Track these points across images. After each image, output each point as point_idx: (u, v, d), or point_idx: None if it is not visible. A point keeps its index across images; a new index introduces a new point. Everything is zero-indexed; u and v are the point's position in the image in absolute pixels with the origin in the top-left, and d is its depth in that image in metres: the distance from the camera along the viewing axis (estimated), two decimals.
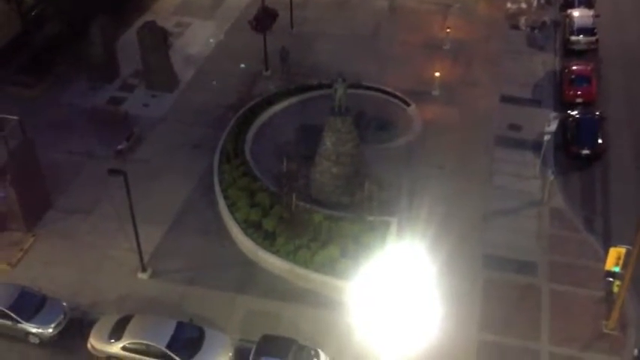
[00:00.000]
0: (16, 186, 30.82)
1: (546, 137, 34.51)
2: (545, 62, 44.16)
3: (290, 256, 29.90)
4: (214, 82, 32.21)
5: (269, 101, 39.44)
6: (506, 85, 41.96)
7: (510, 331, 28.11)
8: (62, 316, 27.53)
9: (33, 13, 44.04)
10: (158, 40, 41.42)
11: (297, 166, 31.52)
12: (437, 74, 40.81)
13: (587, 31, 44.58)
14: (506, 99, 40.84)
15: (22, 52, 42.58)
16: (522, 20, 48.14)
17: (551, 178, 34.21)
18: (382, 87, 40.84)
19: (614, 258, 27.41)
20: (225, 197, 32.51)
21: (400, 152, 36.25)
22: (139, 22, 44.83)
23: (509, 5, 49.80)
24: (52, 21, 44.28)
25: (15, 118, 31.33)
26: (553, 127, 34.20)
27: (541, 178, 34.97)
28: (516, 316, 28.67)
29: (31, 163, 32.14)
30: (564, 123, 37.37)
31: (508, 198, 34.08)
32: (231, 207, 31.91)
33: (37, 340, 27.21)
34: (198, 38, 46.83)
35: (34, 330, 27.00)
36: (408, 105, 39.81)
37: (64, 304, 27.95)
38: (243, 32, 45.27)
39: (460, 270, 29.80)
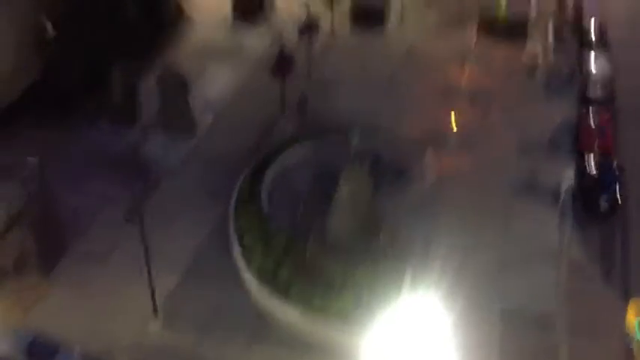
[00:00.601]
0: (33, 230, 31.01)
1: (564, 187, 34.27)
2: (562, 110, 44.07)
3: (304, 305, 29.64)
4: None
5: (286, 146, 39.58)
6: (523, 132, 41.85)
7: None
8: None
9: (55, 58, 44.89)
10: (177, 85, 41.99)
11: (313, 213, 31.48)
12: (453, 121, 40.86)
13: (605, 79, 44.53)
14: (523, 147, 40.70)
15: (43, 96, 43.29)
16: (540, 67, 48.26)
17: (570, 228, 33.85)
18: (399, 133, 40.85)
19: (635, 311, 26.94)
20: (240, 244, 32.45)
21: (416, 200, 36.05)
22: (158, 67, 45.50)
23: (526, 53, 50.00)
24: (73, 67, 45.07)
25: (33, 160, 31.70)
26: (571, 176, 33.99)
27: (559, 228, 34.60)
28: None
29: (49, 207, 32.38)
30: (582, 172, 37.07)
31: (525, 248, 33.67)
32: (246, 254, 31.83)
33: None
34: (217, 83, 47.37)
35: None
36: (424, 151, 39.73)
37: (77, 351, 27.79)
38: (261, 77, 45.72)
39: (476, 321, 29.34)
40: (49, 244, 32.09)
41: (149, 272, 28.24)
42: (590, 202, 35.92)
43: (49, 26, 43.67)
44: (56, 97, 43.40)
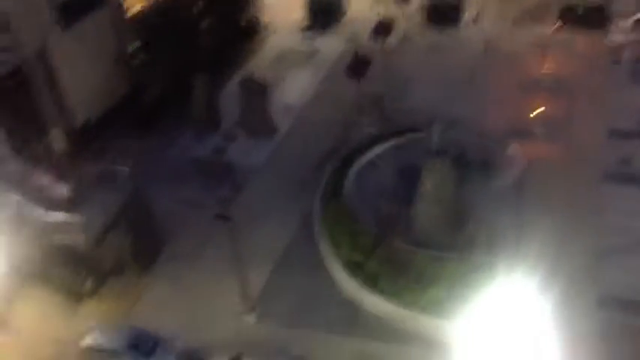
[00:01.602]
0: (130, 234, 32.22)
1: None
2: None
3: (394, 297, 29.60)
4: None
5: (367, 145, 39.70)
6: (612, 119, 40.62)
7: None
8: (174, 358, 28.19)
9: (141, 73, 46.70)
10: (257, 90, 42.92)
11: (398, 208, 31.43)
12: (539, 111, 40.02)
13: None
14: (613, 133, 39.48)
15: (132, 109, 45.11)
16: (625, 54, 46.76)
17: None
18: (481, 126, 40.29)
19: None
20: (328, 240, 32.72)
21: (504, 192, 35.40)
22: (237, 76, 46.58)
23: (609, 39, 48.56)
24: (159, 79, 46.76)
25: (126, 169, 33.01)
26: None
27: None
28: (635, 358, 27.03)
29: (143, 211, 33.60)
30: None
31: (621, 236, 32.57)
32: (334, 248, 32.07)
33: None
34: (295, 88, 48.11)
35: None
36: (509, 144, 39.04)
37: (177, 345, 28.63)
38: (338, 80, 46.14)
39: (574, 312, 28.52)
40: (144, 246, 33.27)
41: (240, 268, 28.83)
42: None
43: (136, 43, 45.59)
44: (144, 109, 45.17)
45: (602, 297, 29.66)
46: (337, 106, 44.76)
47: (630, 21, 50.61)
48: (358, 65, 44.00)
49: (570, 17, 50.69)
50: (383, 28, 47.44)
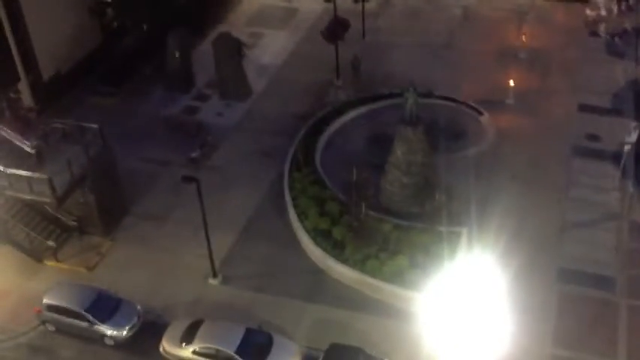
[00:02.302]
0: (95, 192, 31.93)
1: (626, 147, 33.30)
2: (625, 70, 42.62)
3: (359, 265, 29.80)
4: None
5: (340, 110, 39.55)
6: (584, 93, 40.72)
7: (585, 347, 27.09)
8: (136, 319, 28.25)
9: (114, 26, 45.74)
10: (232, 50, 42.27)
11: (367, 175, 31.41)
12: (511, 83, 40.02)
13: None
14: (584, 108, 39.63)
15: (103, 63, 44.28)
16: (602, 27, 46.68)
17: (631, 190, 32.93)
18: (455, 96, 40.30)
19: None
20: (295, 205, 32.75)
21: (472, 162, 35.56)
22: (213, 34, 45.89)
23: (587, 12, 48.39)
24: (131, 34, 45.86)
25: (95, 126, 32.52)
26: (634, 137, 33.02)
27: (620, 190, 33.70)
28: (592, 331, 27.61)
29: (109, 170, 33.26)
30: None
31: (585, 210, 32.95)
32: (301, 215, 32.10)
33: (111, 342, 28.00)
34: (271, 48, 47.50)
35: (109, 332, 27.79)
36: (481, 114, 39.15)
37: (139, 307, 28.67)
38: (315, 42, 45.57)
39: (533, 283, 28.97)
40: (110, 205, 33.02)
41: (206, 232, 28.78)
42: None
43: None
44: (114, 64, 44.35)
45: (562, 270, 30.09)
46: (314, 69, 44.33)
47: None
48: (336, 28, 43.39)
49: None
50: None
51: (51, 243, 31.64)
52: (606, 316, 28.22)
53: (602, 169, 35.20)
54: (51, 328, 28.57)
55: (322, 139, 37.31)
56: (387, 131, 34.51)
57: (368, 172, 31.57)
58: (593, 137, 37.30)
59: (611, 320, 28.03)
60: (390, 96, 39.67)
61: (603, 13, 48.27)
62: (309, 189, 33.27)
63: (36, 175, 30.20)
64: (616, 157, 34.89)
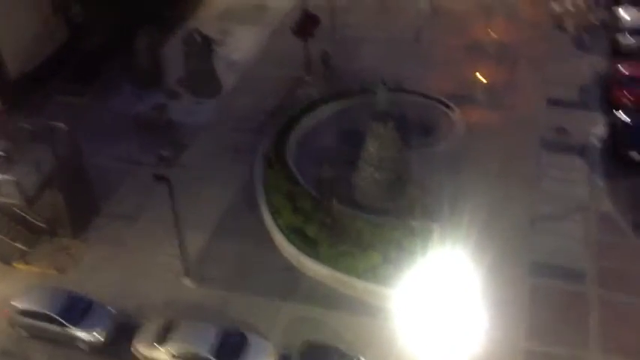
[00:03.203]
0: (65, 192, 31.47)
1: (593, 140, 33.75)
2: (592, 64, 43.20)
3: (332, 262, 29.83)
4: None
5: (311, 106, 39.47)
6: (552, 87, 41.18)
7: (558, 339, 27.51)
8: (108, 321, 27.95)
9: (80, 22, 45.02)
10: (202, 46, 41.92)
11: (339, 171, 31.44)
12: (480, 77, 40.30)
13: (637, 31, 43.50)
14: (552, 102, 40.09)
15: (70, 60, 43.57)
16: (568, 21, 47.21)
17: (599, 182, 33.45)
18: (424, 91, 40.48)
19: None
20: (268, 203, 32.65)
21: (443, 157, 35.84)
22: (183, 30, 45.46)
23: (554, 6, 48.92)
24: (99, 30, 45.17)
25: (63, 125, 32.02)
26: (601, 130, 33.45)
27: (589, 182, 34.20)
28: (564, 324, 28.04)
29: (78, 169, 32.79)
30: (613, 126, 36.50)
31: (555, 203, 33.39)
32: (274, 213, 32.03)
33: (84, 345, 27.67)
34: (242, 44, 47.19)
35: (81, 335, 27.46)
36: (451, 109, 39.38)
37: (110, 308, 28.37)
38: (285, 38, 45.32)
39: (505, 276, 29.32)
40: (80, 206, 32.58)
41: (179, 232, 28.56)
42: (620, 155, 35.40)
43: None
44: (82, 62, 43.68)
45: (534, 263, 30.47)
46: (284, 65, 44.14)
47: None
48: (306, 23, 43.24)
49: None
50: None
51: (20, 245, 31.13)
52: (577, 307, 28.67)
53: (570, 162, 35.67)
54: (24, 333, 28.15)
55: (294, 136, 37.21)
56: (358, 127, 34.52)
57: (339, 168, 31.64)
58: (562, 131, 37.76)
59: (583, 312, 28.48)
60: (361, 92, 39.69)
61: (569, 6, 48.81)
62: (281, 186, 33.19)
63: (4, 176, 29.66)
64: (584, 150, 35.39)
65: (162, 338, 26.75)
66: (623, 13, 45.19)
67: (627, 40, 43.48)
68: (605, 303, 28.75)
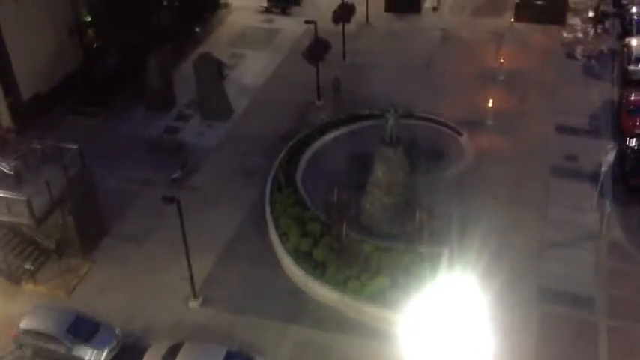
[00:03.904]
0: (74, 214, 31.64)
1: (604, 168, 33.66)
2: (602, 92, 43.31)
3: (340, 286, 29.74)
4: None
5: (321, 131, 39.68)
6: (562, 115, 41.25)
7: None
8: (115, 342, 27.87)
9: (94, 46, 45.67)
10: (213, 70, 42.38)
11: (348, 195, 31.47)
12: (490, 104, 40.46)
13: None
14: (562, 129, 40.13)
15: (83, 83, 44.12)
16: (579, 49, 47.46)
17: (609, 210, 33.30)
18: (434, 117, 40.64)
19: None
20: (276, 226, 32.68)
21: (452, 182, 35.85)
22: (194, 54, 45.98)
23: (564, 35, 49.22)
24: (112, 54, 45.79)
25: (74, 147, 32.30)
26: (611, 158, 33.37)
27: (598, 210, 34.05)
28: (573, 352, 27.72)
29: (89, 191, 32.98)
30: (622, 154, 36.44)
31: (564, 230, 33.22)
32: (282, 236, 32.04)
33: None
34: (253, 69, 47.66)
35: (87, 356, 27.36)
36: (461, 135, 39.49)
37: (117, 330, 28.33)
38: (296, 63, 45.77)
39: (514, 303, 29.08)
40: (89, 227, 32.72)
41: (187, 254, 28.59)
42: (630, 183, 35.29)
43: (87, 15, 44.50)
44: (95, 85, 44.20)
45: (542, 289, 30.26)
46: (295, 89, 44.52)
47: (585, 16, 51.38)
48: (317, 48, 43.67)
49: (528, 10, 51.12)
50: (344, 13, 47.22)
51: (29, 266, 31.23)
52: (586, 335, 28.36)
53: (580, 189, 35.56)
54: (27, 352, 28.10)
55: (303, 160, 37.35)
56: (367, 152, 34.64)
57: (349, 193, 31.68)
58: (571, 158, 37.73)
59: (591, 340, 28.17)
60: (371, 117, 39.90)
61: (580, 35, 49.12)
62: (290, 210, 33.23)
63: (14, 196, 29.89)
64: (593, 178, 35.29)
65: None
66: (634, 42, 45.35)
67: (637, 68, 43.58)
68: (614, 331, 28.45)
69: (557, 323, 28.87)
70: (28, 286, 31.24)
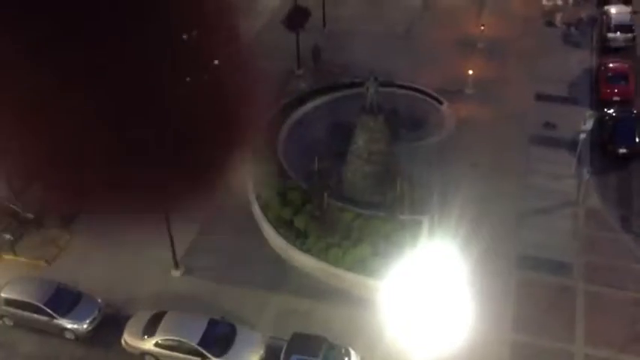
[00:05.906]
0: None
1: (582, 136, 33.98)
2: (581, 60, 43.49)
3: (321, 254, 29.89)
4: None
5: (301, 100, 39.47)
6: (541, 83, 41.40)
7: (544, 332, 27.74)
8: (97, 312, 27.91)
9: None
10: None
11: (329, 164, 31.48)
12: (470, 72, 40.46)
13: (625, 27, 43.82)
14: (541, 97, 40.31)
15: None
16: (558, 17, 47.46)
17: (587, 177, 33.66)
18: (415, 85, 40.57)
19: None
20: (257, 196, 32.65)
21: (433, 150, 35.92)
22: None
23: (544, 2, 49.14)
24: None
25: None
26: (589, 125, 33.68)
27: (577, 177, 34.43)
28: (551, 317, 28.25)
29: None
30: (601, 121, 36.74)
31: (543, 197, 33.61)
32: (263, 206, 32.04)
33: (72, 336, 27.65)
34: None
35: (69, 326, 27.43)
36: (441, 103, 39.51)
37: (99, 300, 28.34)
38: (275, 31, 45.27)
39: (493, 269, 29.45)
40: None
41: (168, 224, 28.48)
42: (608, 150, 35.68)
43: None
44: None
45: (521, 256, 30.67)
46: (274, 58, 44.01)
47: None
48: (297, 16, 43.20)
49: None
50: None
51: (8, 236, 31.01)
52: (564, 301, 28.89)
53: (558, 156, 35.90)
54: (9, 322, 28.07)
55: (283, 129, 37.21)
56: (348, 120, 34.55)
57: (329, 162, 31.68)
58: (550, 125, 38.00)
59: (569, 305, 28.71)
60: (351, 85, 39.70)
61: (559, 3, 49.07)
62: (270, 179, 33.17)
63: None
64: (572, 145, 35.61)
65: (151, 329, 26.74)
66: (612, 10, 45.43)
67: (615, 36, 43.75)
68: (592, 296, 29.01)
69: (536, 289, 29.36)
70: (8, 257, 31.05)
